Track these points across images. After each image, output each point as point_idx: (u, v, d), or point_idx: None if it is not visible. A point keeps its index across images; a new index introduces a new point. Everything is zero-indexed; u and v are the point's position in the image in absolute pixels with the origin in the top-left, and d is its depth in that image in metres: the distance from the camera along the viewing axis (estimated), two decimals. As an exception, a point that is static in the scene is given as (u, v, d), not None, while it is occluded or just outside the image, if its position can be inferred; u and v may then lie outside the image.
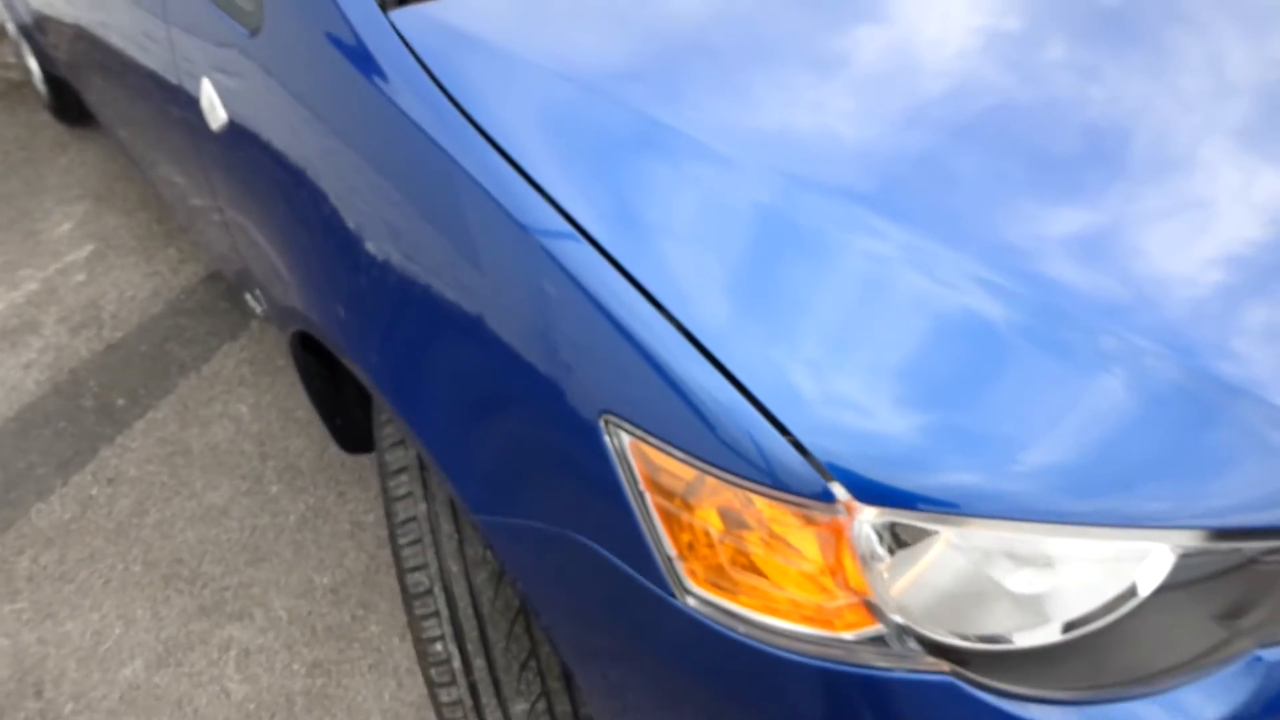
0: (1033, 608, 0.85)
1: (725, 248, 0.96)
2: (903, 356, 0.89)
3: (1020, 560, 0.85)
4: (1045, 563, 0.84)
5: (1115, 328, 0.91)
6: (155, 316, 2.64)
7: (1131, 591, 0.85)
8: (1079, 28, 1.16)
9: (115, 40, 1.86)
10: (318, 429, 2.29)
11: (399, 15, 1.11)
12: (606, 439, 0.94)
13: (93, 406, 2.39)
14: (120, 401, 2.40)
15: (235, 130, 1.39)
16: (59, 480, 2.20)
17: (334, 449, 2.23)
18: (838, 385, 0.88)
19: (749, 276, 0.94)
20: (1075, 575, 0.85)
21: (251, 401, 2.38)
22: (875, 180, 1.00)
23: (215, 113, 1.42)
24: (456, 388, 1.08)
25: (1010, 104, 1.08)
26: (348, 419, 1.77)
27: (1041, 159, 1.04)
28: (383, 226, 1.12)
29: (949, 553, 0.85)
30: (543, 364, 0.97)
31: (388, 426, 1.34)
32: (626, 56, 1.10)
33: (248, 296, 1.93)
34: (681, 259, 0.95)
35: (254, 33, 1.26)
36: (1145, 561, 0.84)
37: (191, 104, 1.51)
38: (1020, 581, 0.85)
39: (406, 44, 1.08)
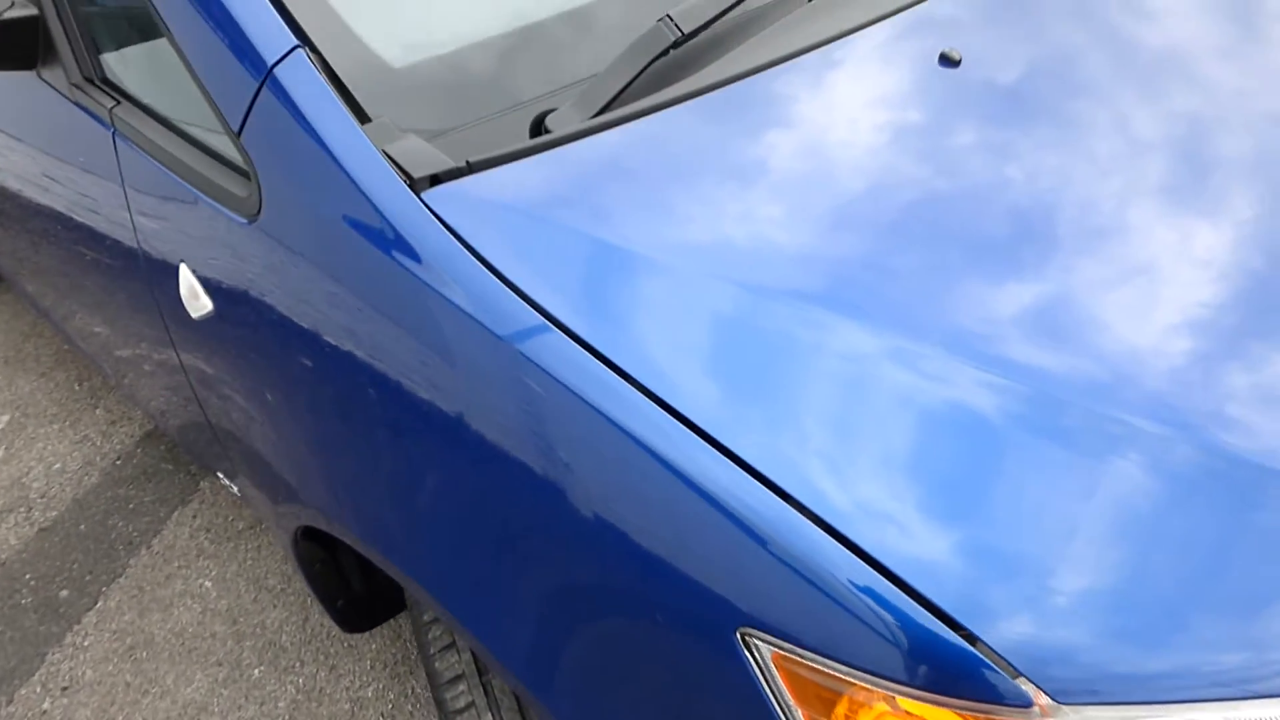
0: None
1: (821, 412, 0.88)
2: (1050, 505, 0.84)
3: None
4: None
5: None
6: (91, 489, 2.42)
7: None
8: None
9: (35, 194, 1.70)
10: (295, 597, 2.11)
11: (432, 196, 1.01)
12: (746, 654, 0.85)
13: (32, 603, 2.15)
14: (64, 593, 2.17)
15: (223, 318, 1.26)
16: (2, 698, 1.96)
17: (318, 618, 2.06)
18: (994, 554, 0.81)
19: (852, 442, 0.87)
20: None
21: (215, 574, 2.18)
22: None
23: (197, 301, 1.29)
24: (546, 600, 0.98)
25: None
26: (350, 600, 1.63)
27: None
28: (438, 422, 1.01)
29: None
30: (662, 576, 0.87)
31: (434, 628, 1.21)
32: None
33: (220, 475, 1.77)
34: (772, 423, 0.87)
35: (251, 220, 1.14)
36: None
37: (160, 285, 1.37)
38: None
39: (446, 226, 0.98)
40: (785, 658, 0.84)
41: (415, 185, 1.02)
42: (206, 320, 1.30)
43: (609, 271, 0.97)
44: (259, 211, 1.13)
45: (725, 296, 0.96)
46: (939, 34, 1.20)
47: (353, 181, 1.02)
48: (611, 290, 0.96)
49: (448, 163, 1.02)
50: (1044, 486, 0.86)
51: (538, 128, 1.09)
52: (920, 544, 0.81)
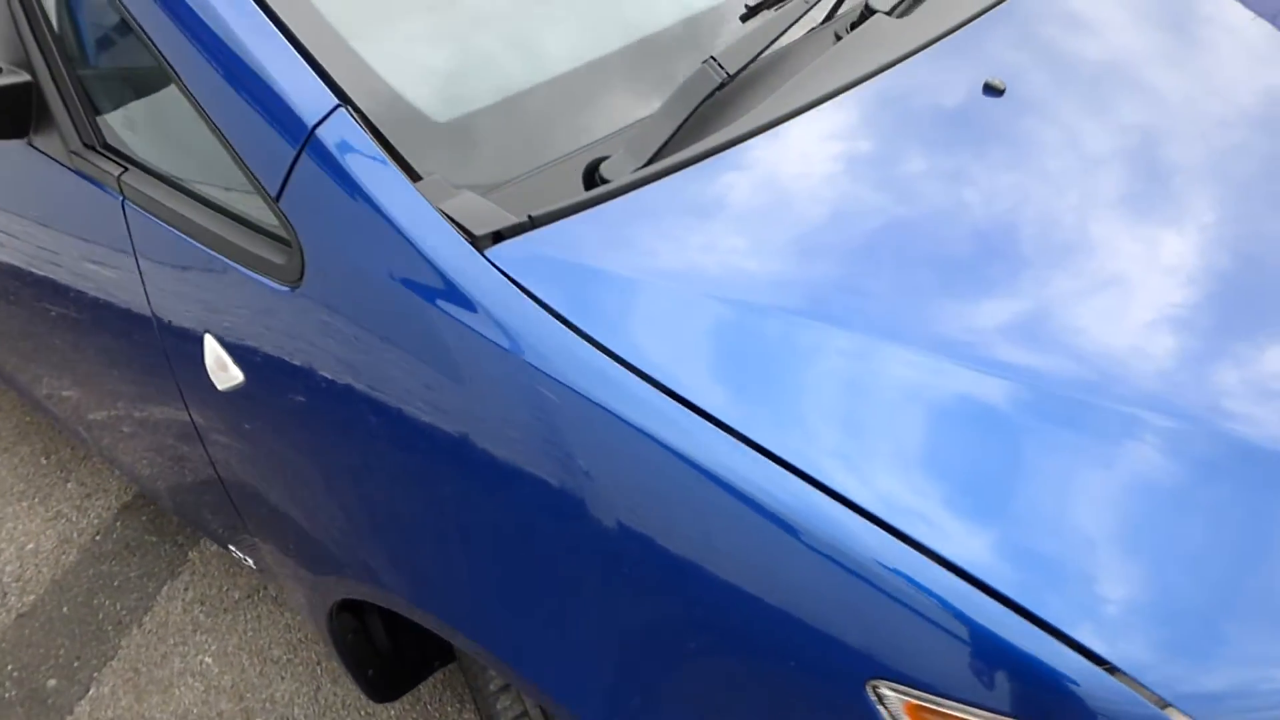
0: None
1: (938, 458, 0.87)
2: (1176, 535, 0.84)
3: None
4: None
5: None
6: (71, 568, 2.31)
7: None
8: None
9: (14, 260, 1.62)
10: (304, 667, 2.03)
11: (497, 253, 0.98)
12: (878, 707, 0.83)
13: (17, 696, 2.04)
14: (52, 682, 2.06)
15: (256, 388, 1.20)
16: (-1, 799, 1.85)
17: (330, 687, 1.98)
18: (1121, 584, 0.82)
19: (977, 484, 0.86)
20: None
21: (215, 649, 2.09)
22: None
23: (225, 372, 1.23)
24: (647, 664, 0.94)
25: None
26: (380, 669, 1.57)
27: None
28: (514, 485, 0.97)
29: None
30: (785, 630, 0.85)
31: (503, 698, 1.17)
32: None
33: (232, 548, 1.70)
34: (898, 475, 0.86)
35: (293, 287, 1.09)
36: None
37: (179, 356, 1.31)
38: None
39: (516, 283, 0.95)
40: (920, 706, 0.82)
41: (477, 243, 0.98)
42: (235, 392, 1.24)
43: (689, 322, 0.95)
44: (300, 278, 1.08)
45: (835, 349, 0.94)
46: (979, 64, 1.21)
47: (409, 242, 0.98)
48: (694, 340, 0.93)
49: (509, 218, 0.99)
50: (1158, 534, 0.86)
51: (591, 176, 1.06)
52: (1060, 586, 0.80)
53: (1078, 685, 0.77)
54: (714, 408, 0.88)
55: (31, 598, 2.24)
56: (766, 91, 1.15)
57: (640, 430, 0.88)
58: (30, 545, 2.38)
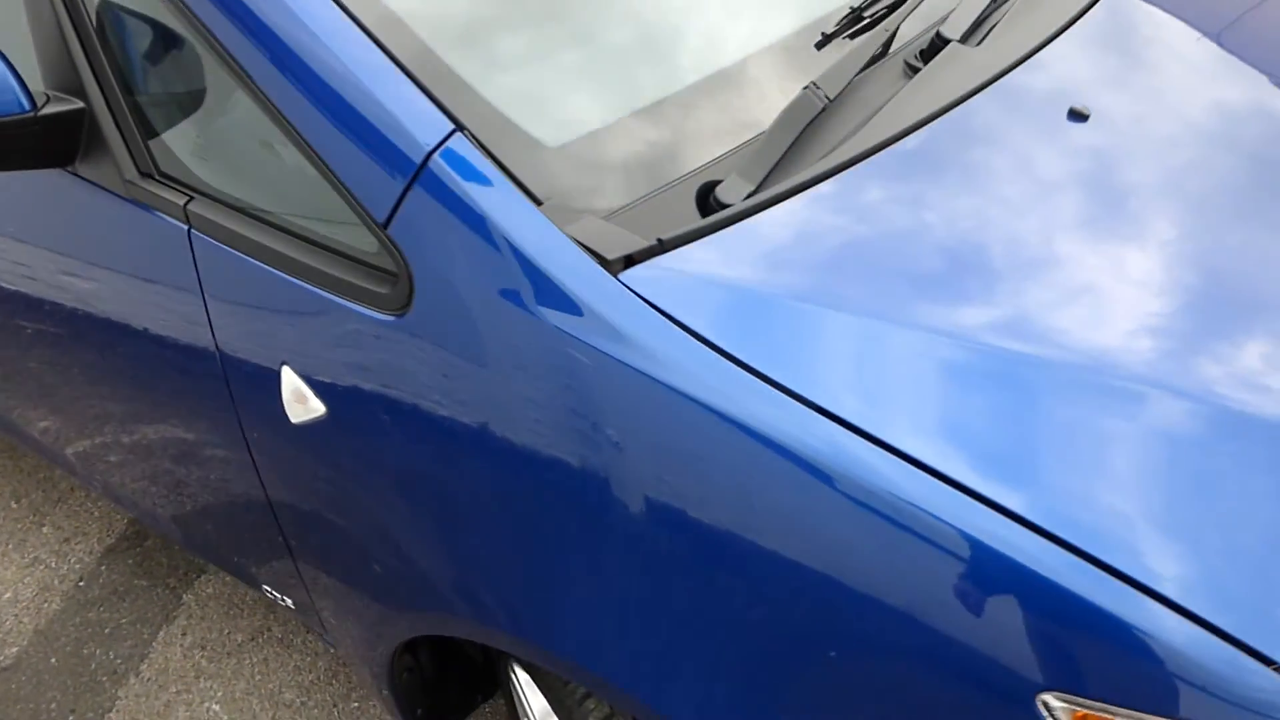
0: None
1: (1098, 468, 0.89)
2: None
3: None
4: None
5: None
6: (55, 617, 2.19)
7: None
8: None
9: (30, 288, 1.54)
10: (319, 710, 1.96)
11: (631, 277, 0.97)
12: (1045, 717, 0.84)
13: (10, 753, 1.93)
14: (46, 737, 1.95)
15: (339, 421, 1.17)
16: None
17: (351, 729, 1.92)
18: None
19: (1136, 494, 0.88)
20: None
21: (222, 696, 2.01)
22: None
23: (304, 405, 1.19)
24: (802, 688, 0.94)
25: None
26: (429, 708, 1.53)
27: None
28: (658, 516, 0.96)
29: None
30: (951, 646, 0.86)
31: (587, 702, 1.15)
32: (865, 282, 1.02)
33: (267, 589, 1.63)
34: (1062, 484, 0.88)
35: (398, 315, 1.06)
36: None
37: (245, 388, 1.26)
38: None
39: (655, 307, 0.95)
40: (1088, 716, 0.84)
41: (609, 267, 0.97)
42: (314, 425, 1.20)
43: (832, 339, 0.96)
44: (407, 306, 1.05)
45: (1026, 376, 0.94)
46: (1060, 88, 1.25)
47: (538, 267, 0.97)
48: (841, 360, 0.94)
49: (640, 242, 0.99)
50: None
51: (704, 199, 1.06)
52: (1231, 595, 0.82)
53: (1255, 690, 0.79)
54: (859, 416, 0.88)
55: (14, 650, 2.12)
56: (850, 118, 1.17)
57: (814, 466, 0.88)
58: (8, 595, 2.25)
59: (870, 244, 1.05)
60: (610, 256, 0.97)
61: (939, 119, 1.17)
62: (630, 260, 0.98)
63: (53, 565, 2.31)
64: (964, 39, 1.25)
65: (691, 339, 0.93)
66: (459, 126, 1.03)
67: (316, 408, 1.19)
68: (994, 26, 1.30)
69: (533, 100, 1.12)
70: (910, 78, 1.24)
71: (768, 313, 0.97)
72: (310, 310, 1.15)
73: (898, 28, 1.24)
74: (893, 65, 1.26)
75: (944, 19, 1.29)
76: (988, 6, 1.32)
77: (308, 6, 1.07)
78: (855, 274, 1.03)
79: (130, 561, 2.30)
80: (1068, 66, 1.29)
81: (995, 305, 1.01)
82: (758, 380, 0.91)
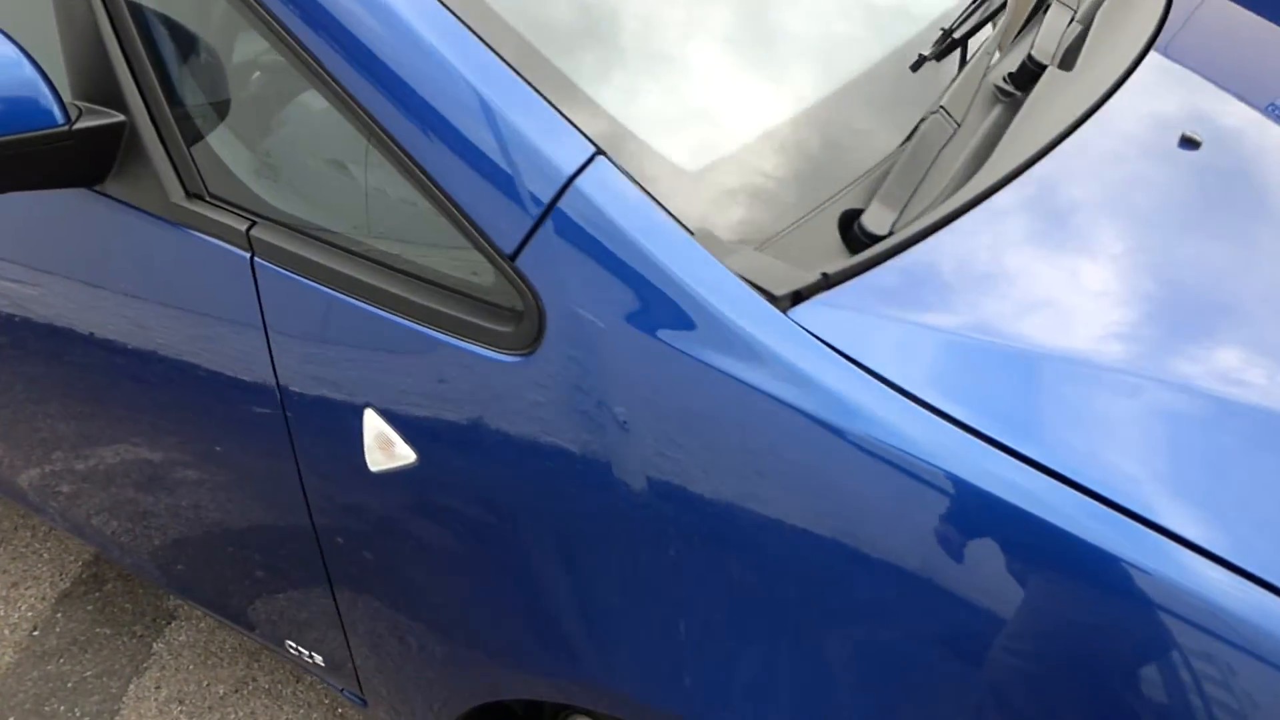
0: None
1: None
2: None
3: None
4: None
5: None
6: (10, 672, 1.97)
7: None
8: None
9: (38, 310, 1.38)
10: (323, 763, 1.83)
11: (801, 314, 0.90)
12: None
13: (-30, 830, 1.72)
14: (11, 810, 1.75)
15: (434, 469, 1.06)
16: None
17: (362, 784, 1.79)
18: None
19: None
20: None
21: (210, 753, 1.84)
22: None
23: (390, 450, 1.08)
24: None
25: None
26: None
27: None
28: (820, 571, 0.90)
29: None
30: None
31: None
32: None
33: (291, 644, 1.50)
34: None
35: (525, 354, 0.97)
36: None
37: (311, 432, 1.14)
38: None
39: (833, 347, 0.88)
40: None
41: (777, 303, 0.90)
42: (398, 473, 1.09)
43: (1021, 378, 0.91)
44: (535, 345, 0.96)
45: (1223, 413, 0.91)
46: (1166, 111, 1.24)
47: (701, 304, 0.89)
48: (1028, 396, 0.90)
49: (806, 277, 0.92)
50: None
51: (847, 227, 1.00)
52: None
53: None
54: (1062, 462, 0.84)
55: (-37, 712, 1.91)
56: (964, 144, 1.13)
57: (994, 503, 0.83)
58: (-52, 649, 2.03)
59: (1035, 276, 1.01)
60: (778, 293, 0.90)
61: (1057, 147, 1.14)
62: (798, 297, 0.92)
63: (1, 613, 2.09)
64: (1062, 64, 1.23)
65: (872, 379, 0.87)
66: (599, 150, 0.94)
67: (405, 455, 1.08)
68: (1081, 49, 1.29)
69: (665, 122, 1.04)
70: (1002, 101, 1.21)
71: (963, 356, 0.91)
72: (405, 349, 1.04)
73: (995, 51, 1.21)
74: (986, 90, 1.23)
75: (1011, 40, 1.27)
76: (1067, 29, 1.31)
77: (418, 15, 0.96)
78: (1035, 311, 0.98)
79: (90, 608, 2.10)
80: (1163, 91, 1.28)
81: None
82: (970, 436, 0.85)
